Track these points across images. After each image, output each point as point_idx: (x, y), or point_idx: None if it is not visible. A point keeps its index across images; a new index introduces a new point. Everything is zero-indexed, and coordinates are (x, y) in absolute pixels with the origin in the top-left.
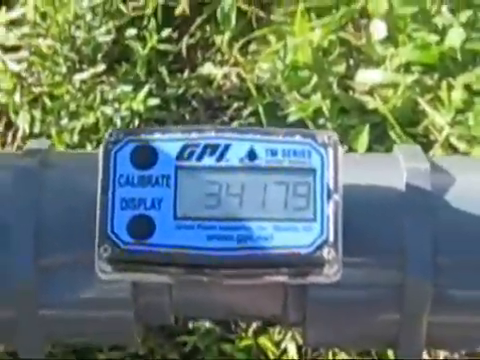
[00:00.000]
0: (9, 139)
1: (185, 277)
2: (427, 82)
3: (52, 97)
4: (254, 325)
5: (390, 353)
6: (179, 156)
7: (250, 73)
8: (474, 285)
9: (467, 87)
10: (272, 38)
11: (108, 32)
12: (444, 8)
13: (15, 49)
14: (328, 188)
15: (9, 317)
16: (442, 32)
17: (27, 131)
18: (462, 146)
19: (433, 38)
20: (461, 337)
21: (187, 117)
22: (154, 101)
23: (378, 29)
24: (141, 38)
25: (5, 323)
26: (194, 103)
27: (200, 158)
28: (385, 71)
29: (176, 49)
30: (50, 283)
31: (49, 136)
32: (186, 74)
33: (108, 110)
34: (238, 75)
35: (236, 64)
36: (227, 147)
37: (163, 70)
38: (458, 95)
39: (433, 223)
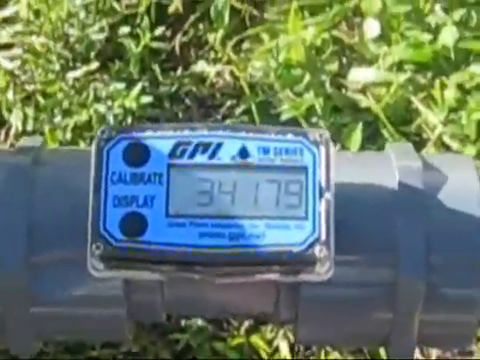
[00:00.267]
0: (2, 137)
1: (177, 274)
2: (420, 81)
3: (45, 95)
4: (246, 323)
5: (383, 352)
6: (171, 154)
7: (243, 71)
8: (466, 283)
9: (460, 86)
10: (265, 36)
11: (101, 30)
12: (437, 7)
13: (8, 47)
14: (320, 186)
15: (0, 314)
16: (435, 31)
17: (20, 129)
18: (455, 145)
19: (426, 37)
20: (453, 335)
21: (180, 115)
22: (147, 99)
23: (371, 27)
24: (134, 36)
25: None
26: (187, 101)
27: (192, 156)
28: (378, 70)
29: (169, 47)
30: (42, 280)
31: (42, 134)
32: (179, 72)
33: (101, 108)
34: (231, 73)
35: (229, 62)
36: (219, 145)
37: (156, 68)
38: (451, 94)
39: (425, 221)
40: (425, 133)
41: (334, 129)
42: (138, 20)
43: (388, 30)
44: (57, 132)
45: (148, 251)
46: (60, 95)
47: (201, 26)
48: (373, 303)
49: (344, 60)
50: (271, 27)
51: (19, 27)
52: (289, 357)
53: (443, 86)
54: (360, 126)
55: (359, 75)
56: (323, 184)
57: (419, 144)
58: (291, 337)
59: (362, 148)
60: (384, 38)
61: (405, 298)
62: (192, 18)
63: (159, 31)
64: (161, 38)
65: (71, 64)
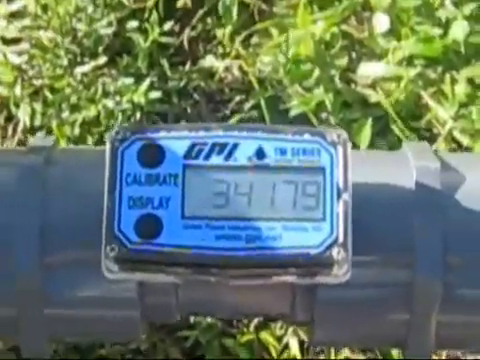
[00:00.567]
0: (10, 132)
1: (192, 277)
2: (430, 76)
3: (53, 90)
4: (256, 320)
5: (394, 350)
6: (187, 155)
7: (252, 66)
8: None
9: (470, 81)
10: (274, 31)
11: (109, 24)
12: (447, 1)
13: (16, 41)
14: (338, 187)
15: (14, 316)
16: (445, 25)
17: (28, 124)
18: (465, 140)
19: (436, 31)
20: (471, 337)
21: (189, 110)
22: (155, 94)
23: (381, 22)
24: (142, 30)
25: (9, 322)
26: (196, 96)
27: (208, 157)
28: (388, 64)
29: (177, 42)
30: (55, 282)
31: (50, 129)
32: (188, 67)
33: (109, 103)
34: (240, 68)
35: (238, 57)
36: (235, 146)
37: (164, 63)
38: (461, 89)
39: (443, 222)
40: (435, 128)
41: (344, 124)
42: (146, 14)
43: (398, 24)
44: (65, 127)
45: (163, 253)
46: (68, 90)
47: (209, 21)
48: (389, 304)
49: (353, 55)
50: (280, 21)
51: (27, 22)
52: (299, 354)
53: (453, 81)
54: (370, 121)
55: (369, 70)
56: (341, 185)
57: (429, 139)
58: (301, 333)
59: (372, 143)
60: (394, 32)
61: (422, 299)
62: (200, 12)
63: (167, 26)
64: (169, 33)
65: (79, 59)
